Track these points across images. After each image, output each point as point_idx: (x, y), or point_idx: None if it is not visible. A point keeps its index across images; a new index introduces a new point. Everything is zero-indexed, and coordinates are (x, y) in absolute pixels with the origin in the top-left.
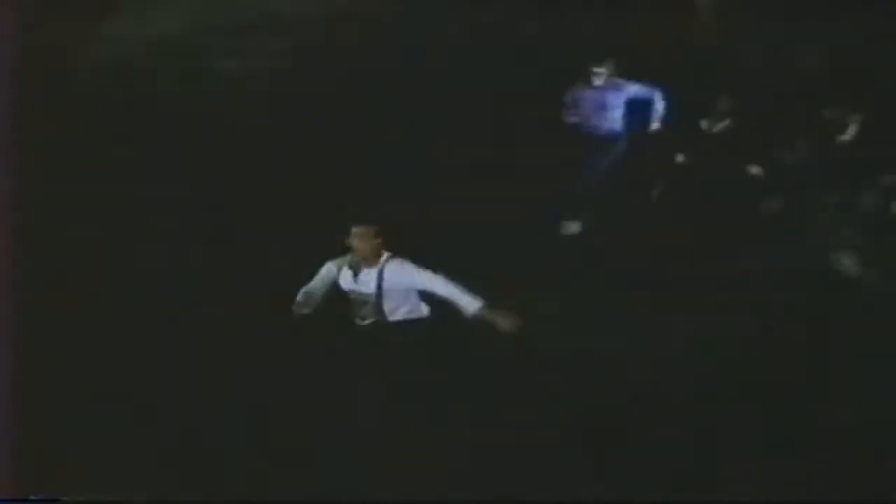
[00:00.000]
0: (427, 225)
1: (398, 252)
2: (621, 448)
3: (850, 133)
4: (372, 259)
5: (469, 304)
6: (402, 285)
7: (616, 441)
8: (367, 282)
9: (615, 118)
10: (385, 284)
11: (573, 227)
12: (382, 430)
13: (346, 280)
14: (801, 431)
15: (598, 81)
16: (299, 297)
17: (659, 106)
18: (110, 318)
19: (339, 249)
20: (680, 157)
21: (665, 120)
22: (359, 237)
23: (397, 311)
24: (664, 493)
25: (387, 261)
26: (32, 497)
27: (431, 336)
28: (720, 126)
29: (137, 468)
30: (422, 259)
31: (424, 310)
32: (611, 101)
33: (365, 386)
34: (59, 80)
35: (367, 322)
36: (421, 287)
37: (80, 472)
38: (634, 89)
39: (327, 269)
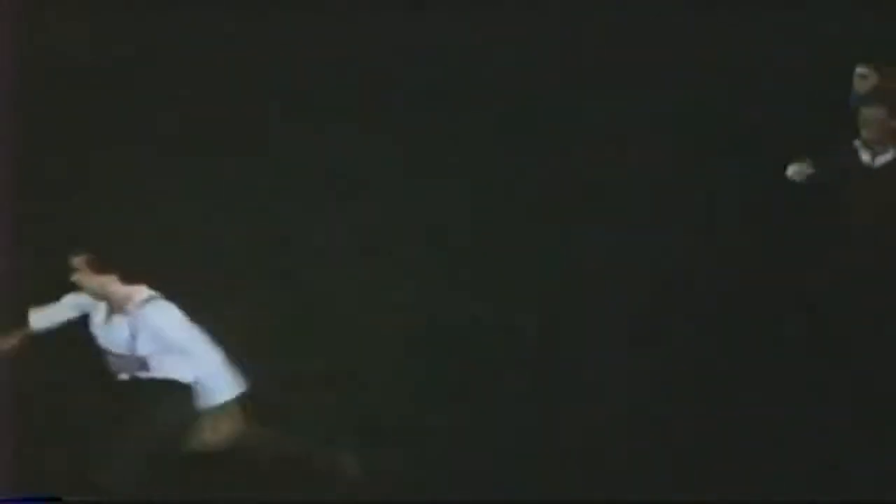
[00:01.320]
0: None
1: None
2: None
3: None
4: (119, 300)
5: (224, 388)
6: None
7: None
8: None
9: None
10: (139, 338)
11: None
12: None
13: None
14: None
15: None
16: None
17: None
18: None
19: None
20: None
21: None
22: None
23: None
24: (664, 492)
25: (145, 303)
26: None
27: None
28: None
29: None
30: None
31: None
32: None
33: None
34: (58, 80)
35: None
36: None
37: (81, 472)
38: None
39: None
